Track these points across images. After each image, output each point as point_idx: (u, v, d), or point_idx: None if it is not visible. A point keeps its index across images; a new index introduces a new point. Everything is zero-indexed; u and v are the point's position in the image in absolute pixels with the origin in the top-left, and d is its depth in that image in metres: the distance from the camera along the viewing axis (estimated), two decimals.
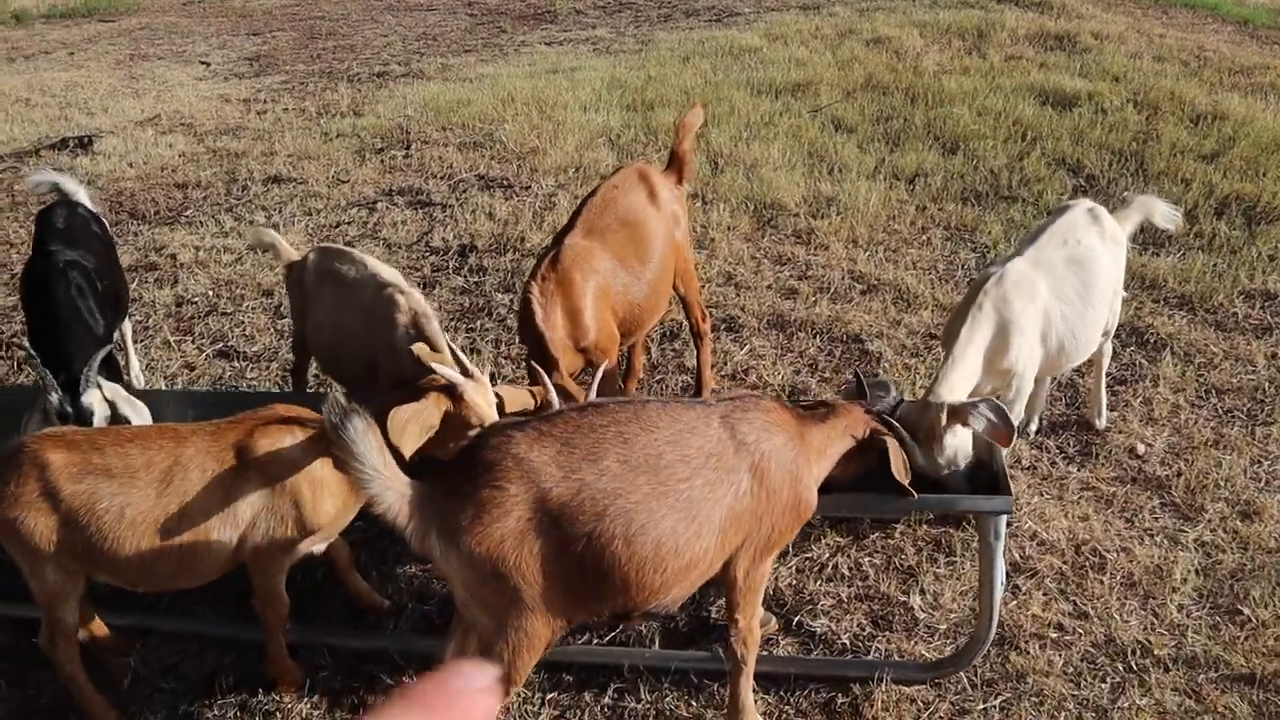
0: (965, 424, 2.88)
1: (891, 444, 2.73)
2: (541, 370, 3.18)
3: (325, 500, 2.74)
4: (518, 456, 2.20)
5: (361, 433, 2.10)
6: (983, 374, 3.23)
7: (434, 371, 2.83)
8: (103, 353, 3.45)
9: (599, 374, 3.14)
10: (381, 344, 3.49)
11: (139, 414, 3.40)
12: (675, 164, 4.30)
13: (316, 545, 2.89)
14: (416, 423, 2.68)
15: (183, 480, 2.62)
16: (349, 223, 6.63)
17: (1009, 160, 6.90)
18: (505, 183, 7.14)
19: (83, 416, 3.27)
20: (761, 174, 6.96)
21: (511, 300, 5.42)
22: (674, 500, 2.25)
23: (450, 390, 2.79)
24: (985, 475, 3.02)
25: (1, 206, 7.63)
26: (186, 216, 6.97)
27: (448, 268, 5.85)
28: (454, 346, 3.16)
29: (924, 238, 5.97)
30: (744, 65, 10.33)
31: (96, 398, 3.34)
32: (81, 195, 4.63)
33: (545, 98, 9.34)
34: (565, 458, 2.21)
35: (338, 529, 2.93)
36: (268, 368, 4.96)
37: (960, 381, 3.08)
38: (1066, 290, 3.36)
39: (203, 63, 13.00)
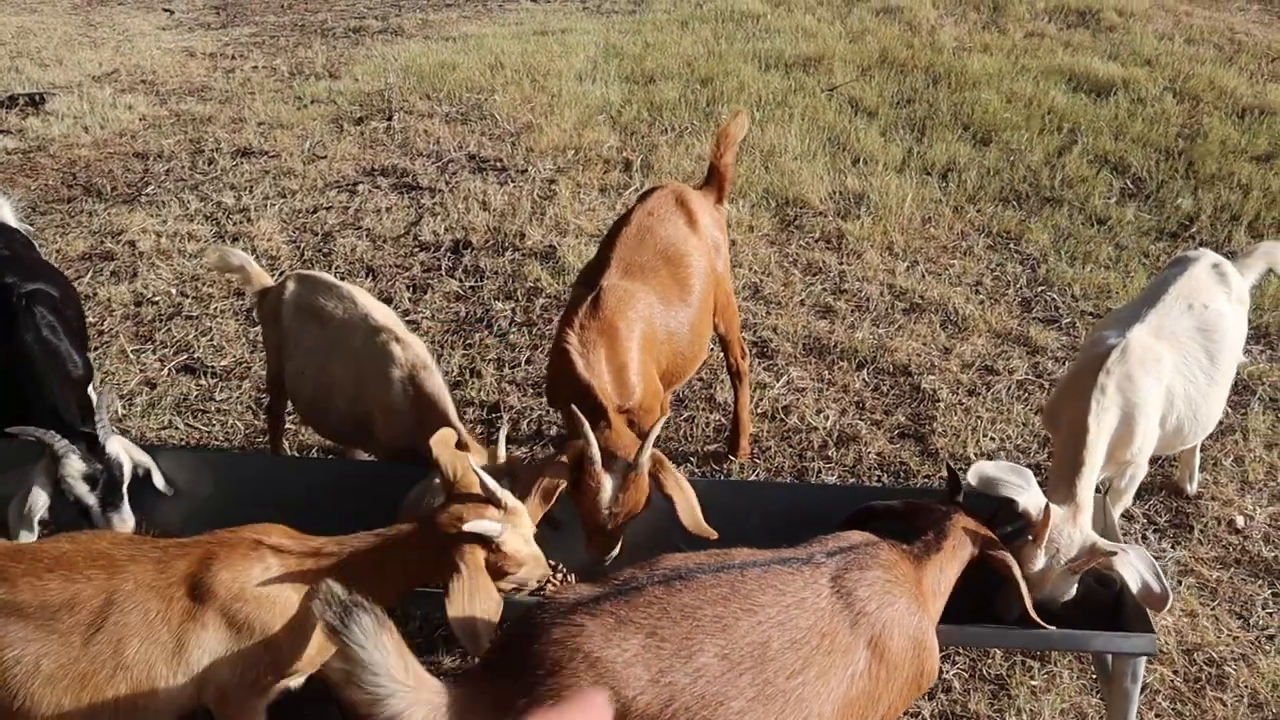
0: (1108, 569, 2.37)
1: (1012, 568, 2.25)
2: (586, 422, 2.60)
3: (307, 638, 2.19)
4: (591, 656, 1.66)
5: (372, 634, 1.56)
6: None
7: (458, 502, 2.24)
8: (107, 400, 2.99)
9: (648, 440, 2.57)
10: (375, 401, 3.00)
11: (143, 461, 2.97)
12: (715, 181, 3.71)
13: (299, 678, 2.35)
14: (475, 604, 2.09)
15: (117, 625, 2.04)
16: (328, 207, 6.01)
17: (1047, 156, 6.39)
18: (499, 164, 6.54)
19: (113, 471, 2.80)
20: (780, 164, 6.41)
21: (513, 310, 4.87)
22: (783, 703, 1.75)
23: (484, 540, 2.19)
24: (1102, 595, 2.55)
25: None
26: (147, 195, 6.31)
27: (439, 268, 5.27)
28: (462, 431, 2.63)
29: (964, 245, 5.46)
30: (747, 33, 9.71)
31: (119, 445, 2.85)
32: (6, 213, 3.90)
33: (536, 65, 8.70)
34: (652, 654, 1.68)
35: (326, 657, 2.38)
36: (239, 386, 4.39)
37: (1090, 491, 2.57)
38: (1192, 364, 2.86)
39: (166, 10, 12.16)
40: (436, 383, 2.94)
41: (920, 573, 2.09)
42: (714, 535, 2.50)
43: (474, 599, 2.03)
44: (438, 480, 2.40)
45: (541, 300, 4.95)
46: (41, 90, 8.52)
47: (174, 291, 5.15)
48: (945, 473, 2.61)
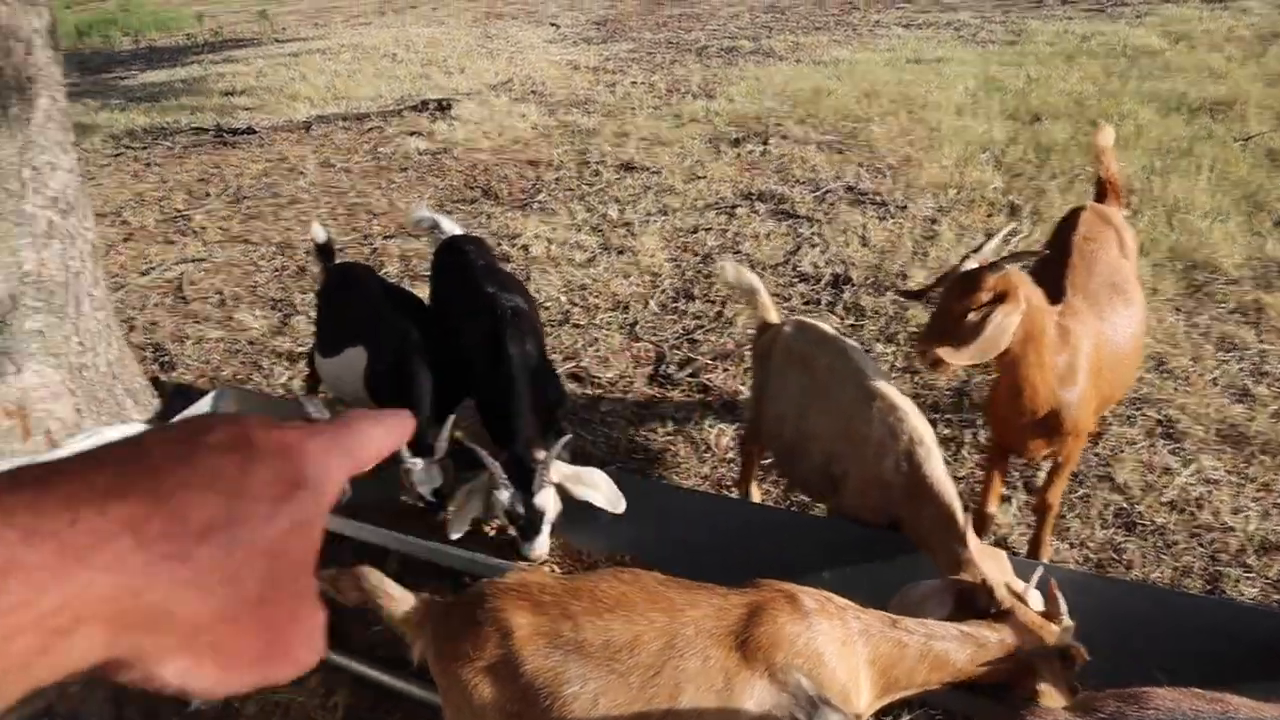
0: None
1: None
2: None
3: (847, 704, 2.10)
4: None
5: None
6: None
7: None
8: (557, 450, 2.97)
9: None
10: (859, 468, 2.81)
11: (604, 493, 2.97)
12: (1111, 195, 3.53)
13: None
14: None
15: (676, 670, 2.01)
16: (707, 228, 6.13)
17: None
18: (878, 199, 6.39)
19: (533, 518, 2.87)
20: (1187, 221, 5.84)
21: (894, 355, 4.71)
22: None
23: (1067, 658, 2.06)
24: None
25: (366, 171, 7.72)
26: (539, 201, 6.71)
27: (819, 301, 5.21)
28: (971, 539, 2.48)
29: None
30: (1143, 71, 8.99)
31: (550, 497, 2.90)
32: (451, 224, 4.13)
33: (913, 95, 8.48)
34: None
35: None
36: (622, 399, 4.53)
37: None
38: None
39: (552, 24, 13.00)
40: (935, 464, 2.66)
41: None
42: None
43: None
44: (935, 585, 2.31)
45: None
46: (448, 97, 9.33)
47: (563, 299, 5.41)
48: None
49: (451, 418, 3.15)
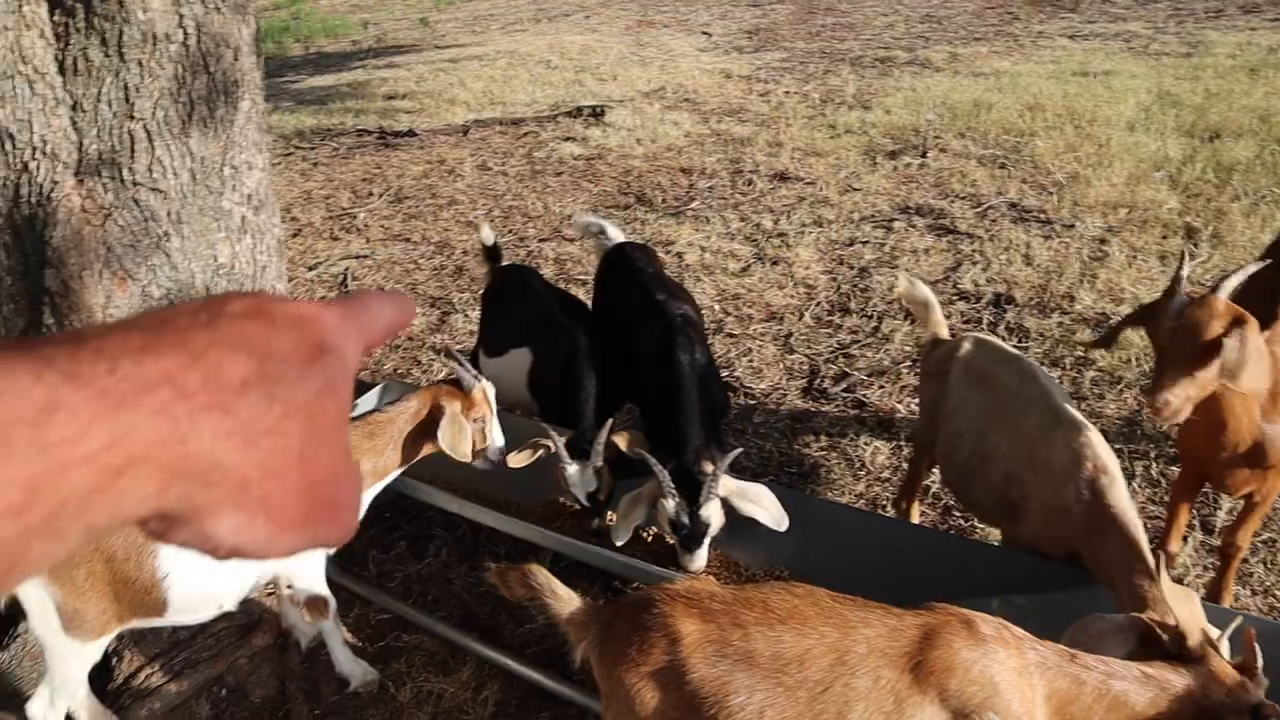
0: None
1: None
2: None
3: None
4: None
5: None
6: None
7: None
8: (731, 455, 2.95)
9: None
10: (1039, 494, 2.73)
11: (769, 510, 2.91)
12: None
13: None
14: None
15: (846, 687, 1.97)
16: (864, 241, 6.03)
17: None
18: (1042, 216, 6.18)
19: (697, 529, 2.85)
20: None
21: (1059, 381, 4.53)
22: None
23: None
24: None
25: (522, 174, 7.88)
26: (692, 209, 6.73)
27: (981, 320, 5.06)
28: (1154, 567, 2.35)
29: None
30: None
31: (715, 510, 2.86)
32: (616, 231, 4.14)
33: (1079, 109, 8.16)
34: None
35: None
36: (775, 411, 4.49)
37: None
38: None
39: (704, 33, 13.04)
40: (1120, 495, 2.55)
41: None
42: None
43: None
44: (1117, 621, 2.21)
45: (1091, 373, 4.57)
46: (601, 104, 9.44)
47: (716, 307, 5.40)
48: None
49: (610, 421, 3.17)
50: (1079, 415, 2.75)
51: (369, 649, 3.31)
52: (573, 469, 3.11)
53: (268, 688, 3.34)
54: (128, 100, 3.35)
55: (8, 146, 3.21)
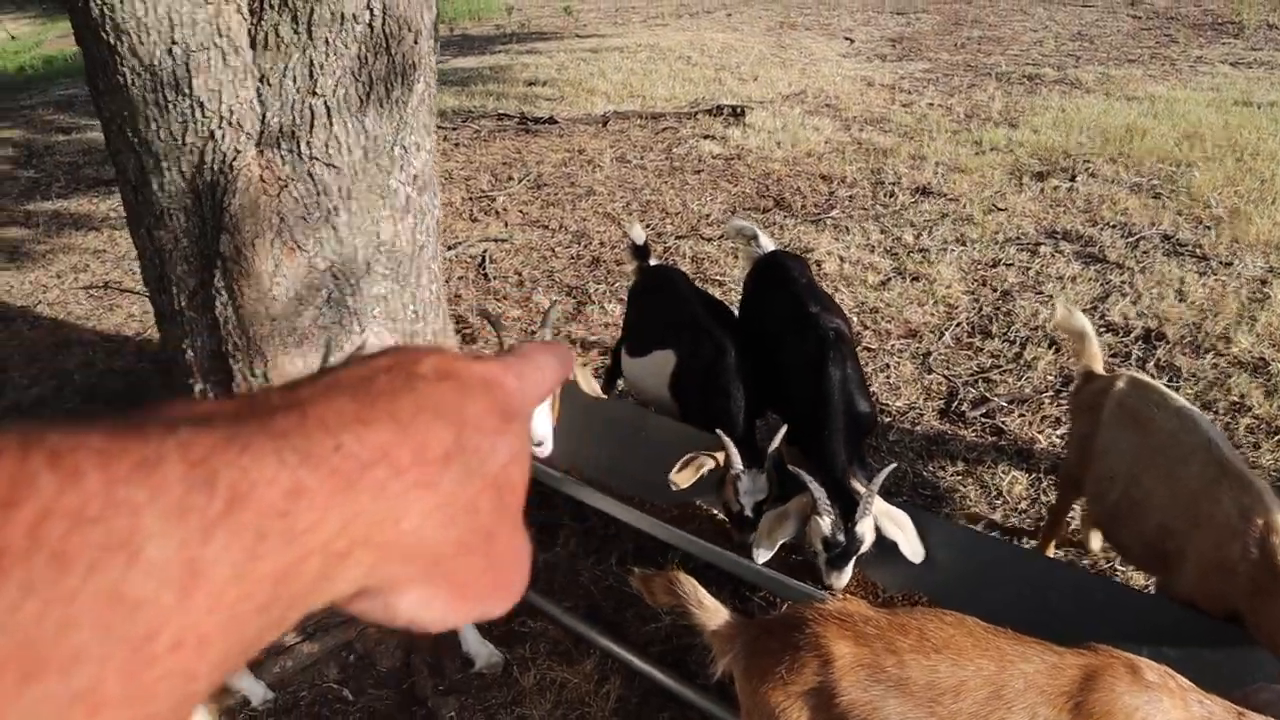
0: None
1: None
2: None
3: None
4: None
5: None
6: None
7: None
8: (885, 471, 2.89)
9: None
10: (1200, 549, 2.63)
11: (907, 537, 2.88)
12: None
13: None
14: None
15: None
16: (1008, 264, 5.91)
17: None
18: (1198, 252, 5.96)
19: (850, 547, 2.82)
20: None
21: (1213, 423, 4.38)
22: None
23: None
24: None
25: (660, 170, 7.94)
26: (832, 218, 6.69)
27: (1129, 355, 4.92)
28: None
29: None
30: None
31: (869, 529, 2.83)
32: (767, 240, 4.12)
33: (1241, 141, 7.84)
34: None
35: None
36: (910, 431, 4.45)
37: None
38: None
39: (847, 39, 12.90)
40: None
41: None
42: None
43: None
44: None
45: (1246, 420, 4.40)
46: (742, 103, 9.44)
47: (854, 320, 5.36)
48: None
49: (784, 429, 3.17)
50: (1246, 467, 2.66)
51: (494, 630, 3.39)
52: (746, 477, 3.08)
53: (394, 659, 3.45)
54: (311, 77, 3.50)
55: (197, 115, 3.39)
